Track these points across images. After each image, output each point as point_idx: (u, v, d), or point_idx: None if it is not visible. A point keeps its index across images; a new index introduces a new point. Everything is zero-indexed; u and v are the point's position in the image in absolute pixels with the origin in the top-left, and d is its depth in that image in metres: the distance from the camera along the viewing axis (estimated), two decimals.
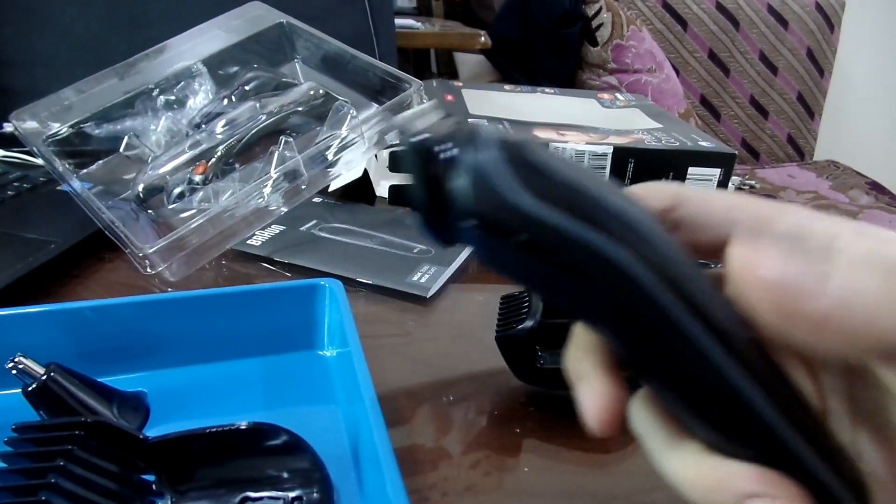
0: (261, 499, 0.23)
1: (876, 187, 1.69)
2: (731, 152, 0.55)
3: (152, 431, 0.25)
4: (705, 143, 0.56)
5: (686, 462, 0.17)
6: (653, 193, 0.19)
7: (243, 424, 0.24)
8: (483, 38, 1.01)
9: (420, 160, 0.17)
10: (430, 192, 0.17)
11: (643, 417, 0.18)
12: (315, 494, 0.23)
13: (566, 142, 0.53)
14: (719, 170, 0.55)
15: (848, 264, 0.15)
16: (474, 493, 0.27)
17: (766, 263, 0.16)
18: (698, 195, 0.19)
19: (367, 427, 0.23)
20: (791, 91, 1.78)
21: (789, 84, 1.77)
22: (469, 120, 0.17)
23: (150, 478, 0.23)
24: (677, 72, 1.59)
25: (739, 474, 0.16)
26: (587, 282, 0.16)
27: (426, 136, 0.17)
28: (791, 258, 0.16)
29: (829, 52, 1.81)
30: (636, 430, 0.18)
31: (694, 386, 0.16)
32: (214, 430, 0.23)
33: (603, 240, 0.15)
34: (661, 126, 0.62)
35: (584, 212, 0.15)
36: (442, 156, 0.17)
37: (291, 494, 0.23)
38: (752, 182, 1.65)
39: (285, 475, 0.24)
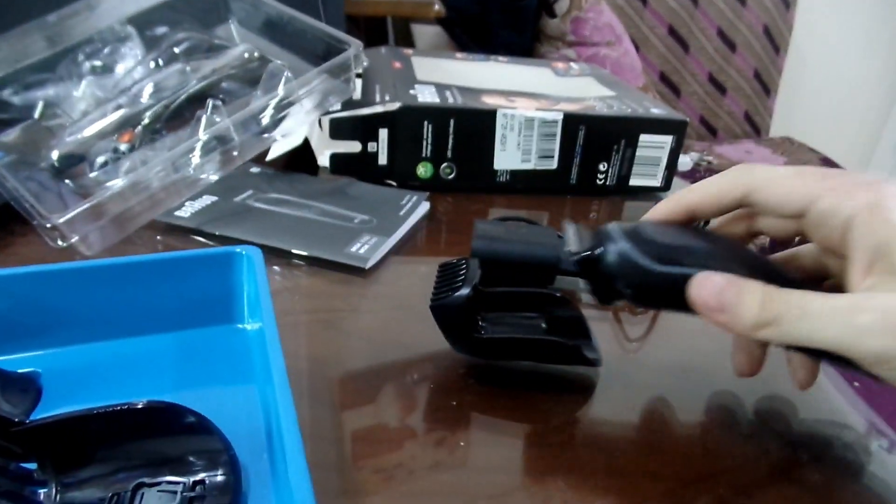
0: (158, 484, 0.21)
1: (827, 163, 1.73)
2: (681, 119, 0.54)
3: (46, 415, 0.22)
4: (656, 110, 0.55)
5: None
6: (731, 183, 0.27)
7: (139, 403, 0.21)
8: (437, 7, 0.98)
9: (585, 266, 0.29)
10: (595, 278, 0.29)
11: None
12: (219, 477, 0.21)
13: (514, 108, 0.51)
14: (671, 137, 0.54)
15: None
16: (423, 471, 0.26)
17: None
18: (769, 181, 0.26)
19: (275, 406, 0.21)
20: (748, 68, 1.79)
21: (746, 61, 1.78)
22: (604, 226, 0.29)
23: (32, 466, 0.21)
24: (637, 47, 1.58)
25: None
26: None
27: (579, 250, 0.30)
28: None
29: (786, 30, 1.83)
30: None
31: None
32: (105, 410, 0.21)
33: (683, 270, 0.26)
34: (614, 94, 0.60)
35: (675, 258, 0.26)
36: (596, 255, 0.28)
37: (193, 478, 0.21)
38: (710, 158, 1.66)
39: (188, 458, 0.22)
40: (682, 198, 0.29)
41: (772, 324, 0.23)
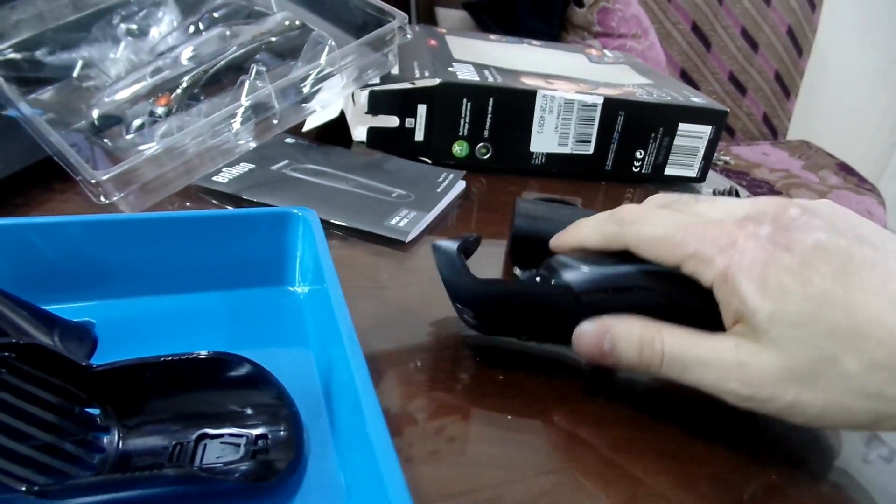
0: (221, 435, 0.21)
1: (845, 168, 1.72)
2: (723, 109, 0.53)
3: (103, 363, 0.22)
4: (697, 99, 0.54)
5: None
6: (611, 240, 0.29)
7: (203, 354, 0.21)
8: None
9: None
10: None
11: None
12: (282, 433, 0.21)
13: (555, 90, 0.51)
14: (710, 127, 0.53)
15: None
16: (456, 444, 0.26)
17: None
18: (640, 245, 0.28)
19: (345, 369, 0.20)
20: (769, 69, 1.78)
21: (768, 62, 1.77)
22: None
23: (95, 411, 0.21)
24: (659, 44, 1.56)
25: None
26: None
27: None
28: None
29: (809, 32, 1.81)
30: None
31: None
32: (169, 358, 0.21)
33: None
34: (651, 81, 0.60)
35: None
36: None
37: (255, 432, 0.21)
38: (727, 158, 1.65)
39: (249, 411, 0.22)
40: (577, 234, 0.31)
41: (652, 368, 0.26)
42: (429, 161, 0.52)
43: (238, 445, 0.21)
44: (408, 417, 0.26)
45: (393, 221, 0.41)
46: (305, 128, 0.52)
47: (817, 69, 1.91)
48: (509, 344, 0.32)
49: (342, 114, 0.53)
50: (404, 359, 0.30)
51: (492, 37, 0.71)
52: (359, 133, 0.53)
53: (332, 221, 0.41)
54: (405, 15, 0.47)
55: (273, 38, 0.50)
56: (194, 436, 0.21)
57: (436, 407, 0.27)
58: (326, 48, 0.46)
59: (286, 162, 0.47)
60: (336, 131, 0.54)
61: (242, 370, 0.21)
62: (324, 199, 0.43)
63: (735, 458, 0.27)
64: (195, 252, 0.28)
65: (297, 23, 0.51)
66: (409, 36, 0.48)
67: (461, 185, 0.48)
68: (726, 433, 0.28)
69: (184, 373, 0.21)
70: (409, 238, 0.40)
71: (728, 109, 0.54)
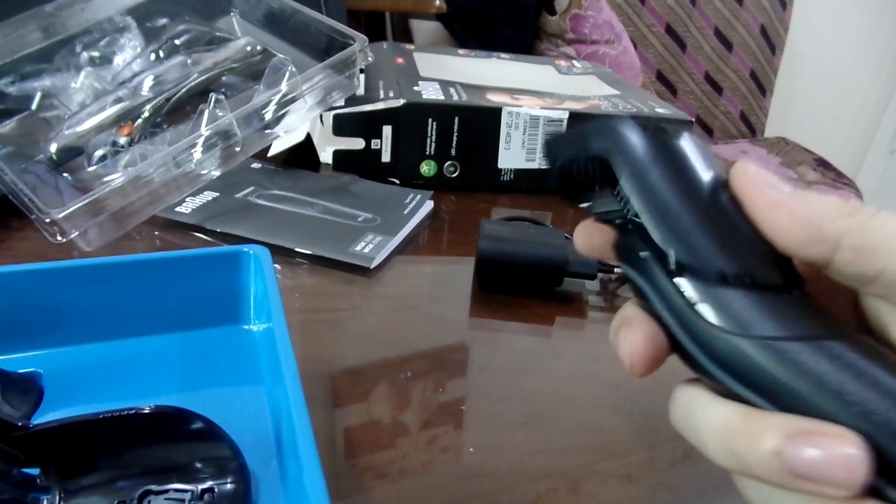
0: (166, 491, 0.20)
1: (823, 164, 1.74)
2: (688, 119, 0.54)
3: (48, 418, 0.22)
4: (662, 110, 0.55)
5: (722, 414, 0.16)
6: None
7: (146, 408, 0.21)
8: (438, 2, 0.97)
9: None
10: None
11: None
12: (229, 485, 0.21)
13: (520, 106, 0.51)
14: None
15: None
16: (418, 472, 0.25)
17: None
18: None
19: (287, 410, 0.20)
20: (744, 68, 1.79)
21: (743, 61, 1.78)
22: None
23: (35, 471, 0.20)
24: (634, 46, 1.57)
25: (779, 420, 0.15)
26: None
27: None
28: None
29: (782, 30, 1.83)
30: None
31: None
32: (111, 414, 0.20)
33: None
34: (618, 93, 0.60)
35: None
36: None
37: (202, 486, 0.21)
38: None
39: (196, 465, 0.21)
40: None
41: None
42: (397, 182, 0.52)
43: (183, 501, 0.20)
44: (368, 448, 0.26)
45: (358, 248, 0.40)
46: (271, 152, 0.52)
47: (791, 66, 1.93)
48: (471, 372, 0.32)
49: (309, 136, 0.53)
50: (367, 388, 0.30)
51: (460, 52, 0.71)
52: (326, 155, 0.53)
53: (296, 249, 0.40)
54: (366, 38, 0.47)
55: (235, 65, 0.49)
56: (138, 493, 0.20)
57: (399, 437, 0.27)
58: (287, 73, 0.46)
59: (251, 189, 0.47)
60: (304, 154, 0.54)
61: (188, 423, 0.21)
62: (288, 227, 0.42)
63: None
64: (147, 294, 0.27)
65: (258, 48, 0.50)
66: (370, 58, 0.48)
67: (429, 206, 0.48)
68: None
69: (127, 428, 0.21)
70: (374, 264, 0.40)
71: (693, 119, 0.54)
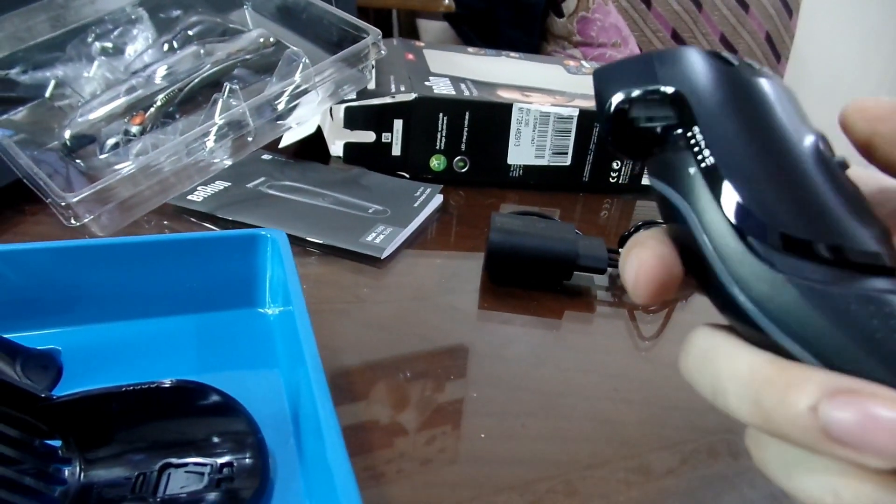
0: (185, 464, 0.21)
1: None
2: None
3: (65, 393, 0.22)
4: None
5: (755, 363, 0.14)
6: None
7: (167, 382, 0.21)
8: (447, 1, 0.98)
9: None
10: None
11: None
12: (248, 460, 0.21)
13: (531, 103, 0.51)
14: None
15: None
16: (432, 458, 0.25)
17: None
18: None
19: (308, 391, 0.20)
20: None
21: None
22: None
23: (56, 443, 0.20)
24: (640, 50, 1.58)
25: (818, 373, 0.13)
26: None
27: None
28: None
29: (787, 38, 1.84)
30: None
31: None
32: (132, 387, 0.21)
33: None
34: None
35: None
36: None
37: (220, 460, 0.21)
38: None
39: (215, 439, 0.21)
40: None
41: None
42: (407, 175, 0.52)
43: (202, 474, 0.20)
44: (380, 436, 0.26)
45: (369, 238, 0.41)
46: (282, 144, 0.52)
47: (796, 74, 1.93)
48: (481, 361, 0.32)
49: (319, 129, 0.53)
50: (378, 377, 0.30)
51: (470, 50, 0.71)
52: (336, 148, 0.53)
53: (308, 239, 0.41)
54: (379, 31, 0.47)
55: (248, 56, 0.50)
56: (158, 465, 0.21)
57: (410, 426, 0.27)
58: (301, 65, 0.46)
59: (262, 179, 0.47)
60: (313, 147, 0.54)
61: (207, 398, 0.21)
62: (300, 217, 0.42)
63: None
64: (164, 276, 0.28)
65: (271, 40, 0.51)
66: (383, 52, 0.48)
67: (438, 200, 0.49)
68: (702, 449, 0.28)
69: (147, 402, 0.21)
70: (385, 254, 0.40)
71: None
